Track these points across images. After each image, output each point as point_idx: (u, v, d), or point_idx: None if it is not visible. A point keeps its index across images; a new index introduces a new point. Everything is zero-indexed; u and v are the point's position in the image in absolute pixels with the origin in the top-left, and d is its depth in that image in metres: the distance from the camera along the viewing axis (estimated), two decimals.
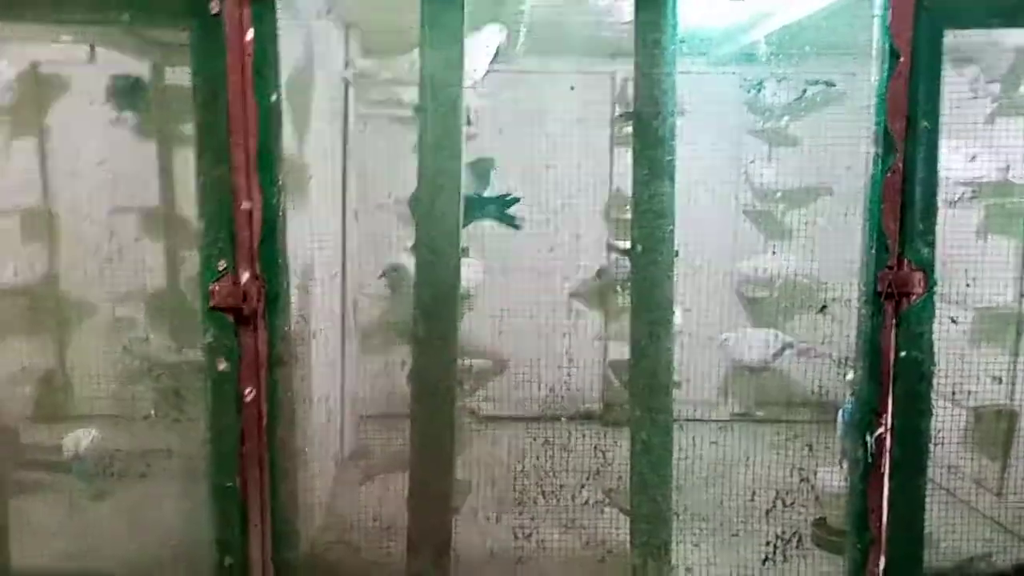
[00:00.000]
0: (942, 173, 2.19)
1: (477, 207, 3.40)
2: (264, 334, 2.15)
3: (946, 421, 3.11)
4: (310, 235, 3.26)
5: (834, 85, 4.41)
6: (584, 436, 4.32)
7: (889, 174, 2.15)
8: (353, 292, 4.21)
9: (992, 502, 3.47)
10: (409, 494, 2.58)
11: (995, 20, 2.26)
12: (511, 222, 3.57)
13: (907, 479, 2.23)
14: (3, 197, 3.96)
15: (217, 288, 2.10)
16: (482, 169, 4.12)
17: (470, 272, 3.40)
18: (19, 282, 3.93)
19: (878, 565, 2.24)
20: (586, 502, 3.53)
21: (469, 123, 3.33)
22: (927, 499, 2.26)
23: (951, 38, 2.16)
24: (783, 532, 3.16)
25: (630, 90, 2.63)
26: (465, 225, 2.65)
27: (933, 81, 2.14)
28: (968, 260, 3.43)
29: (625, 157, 2.71)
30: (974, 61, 3.48)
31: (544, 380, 4.66)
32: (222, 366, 2.13)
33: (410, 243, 2.69)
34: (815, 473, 3.36)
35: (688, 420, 3.24)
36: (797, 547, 3.09)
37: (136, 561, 2.73)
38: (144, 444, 3.33)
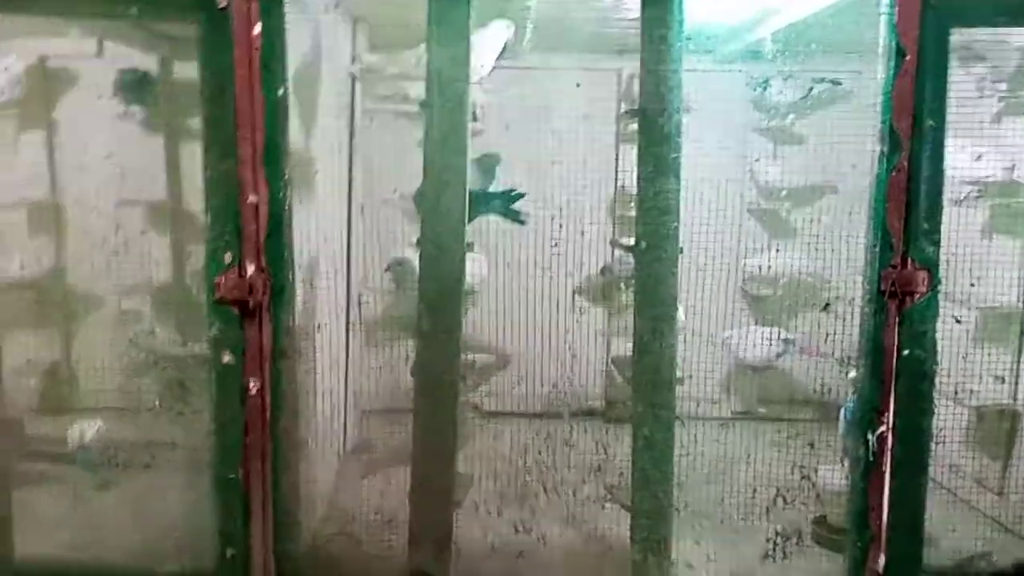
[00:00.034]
0: (948, 172, 2.19)
1: (482, 202, 3.41)
2: (269, 327, 2.17)
3: (948, 420, 3.11)
4: (316, 229, 3.27)
5: (840, 83, 4.41)
6: (586, 432, 4.33)
7: (894, 172, 2.15)
8: (358, 286, 4.22)
9: (993, 501, 3.47)
10: (411, 488, 2.59)
11: (1002, 19, 2.26)
12: (516, 217, 3.57)
13: (908, 478, 2.24)
14: (11, 190, 3.97)
15: (223, 281, 2.11)
16: (487, 165, 4.12)
17: (474, 267, 3.41)
18: (26, 275, 3.94)
19: (878, 563, 2.25)
20: (587, 498, 3.54)
21: (475, 119, 3.33)
22: (928, 498, 2.26)
23: (959, 36, 2.16)
24: (783, 529, 3.17)
25: (636, 87, 2.63)
26: (470, 220, 2.65)
27: (939, 79, 2.14)
28: (973, 259, 3.43)
29: (630, 154, 2.70)
30: (984, 59, 3.46)
31: (547, 376, 4.68)
32: (227, 359, 2.14)
33: (415, 238, 2.70)
34: (816, 471, 3.36)
35: (690, 417, 3.24)
36: (797, 544, 3.09)
37: (139, 551, 2.75)
38: (149, 436, 3.35)
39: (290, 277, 2.21)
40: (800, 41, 3.65)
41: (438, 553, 2.56)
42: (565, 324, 4.71)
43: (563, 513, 3.38)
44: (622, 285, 4.48)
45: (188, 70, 2.28)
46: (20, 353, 3.89)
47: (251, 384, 2.15)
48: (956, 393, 3.33)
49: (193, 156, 2.29)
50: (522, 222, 3.61)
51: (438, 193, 2.51)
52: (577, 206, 4.63)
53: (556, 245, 4.51)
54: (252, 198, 2.11)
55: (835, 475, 3.23)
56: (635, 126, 2.64)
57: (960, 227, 3.05)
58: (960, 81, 2.31)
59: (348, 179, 4.05)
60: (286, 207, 2.16)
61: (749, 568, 2.99)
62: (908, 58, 2.11)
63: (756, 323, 4.70)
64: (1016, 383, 3.48)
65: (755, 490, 3.37)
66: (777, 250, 4.69)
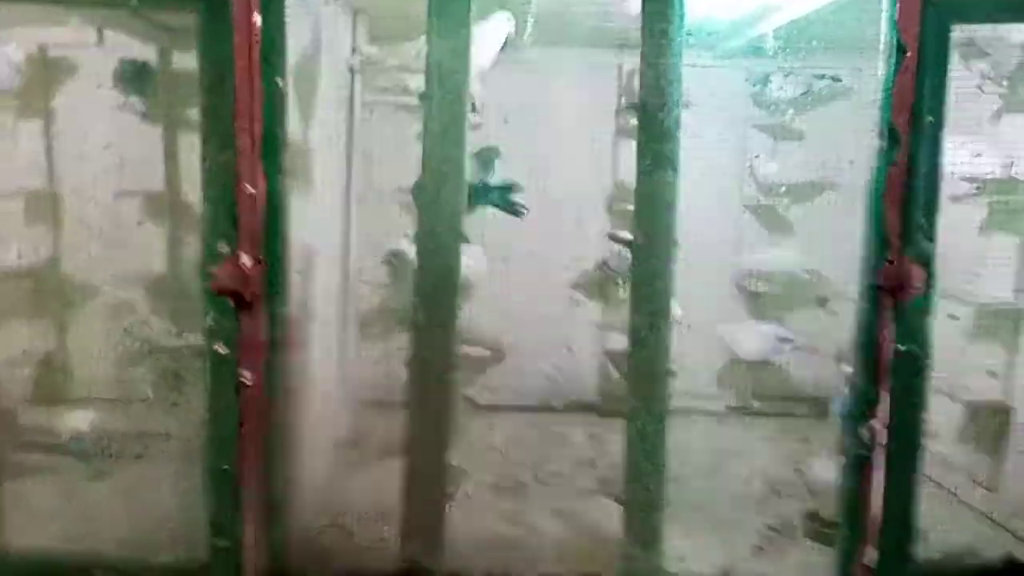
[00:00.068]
0: (946, 168, 2.19)
1: (480, 194, 3.41)
2: (264, 318, 2.16)
3: (941, 416, 3.11)
4: (313, 221, 3.27)
5: (840, 80, 4.41)
6: (581, 425, 4.34)
7: (892, 168, 2.15)
8: (354, 278, 4.22)
9: (984, 496, 3.48)
10: (404, 480, 2.59)
11: (1002, 16, 2.26)
12: (513, 209, 3.58)
13: (900, 473, 2.24)
14: (9, 180, 3.97)
15: (218, 272, 2.10)
16: (486, 158, 4.13)
17: (471, 260, 3.41)
18: (23, 264, 3.94)
19: (870, 557, 2.26)
20: (580, 490, 3.55)
21: (474, 111, 3.33)
22: (920, 493, 2.27)
23: (960, 33, 2.15)
24: (775, 523, 3.18)
25: (636, 82, 2.63)
26: (468, 213, 2.65)
27: (939, 76, 2.13)
28: (970, 256, 3.43)
29: (629, 148, 2.70)
30: (984, 55, 3.46)
31: (542, 369, 4.68)
32: (222, 350, 2.14)
33: (412, 231, 2.70)
34: (809, 465, 3.37)
35: (685, 411, 3.24)
36: (789, 538, 3.11)
37: (132, 542, 2.75)
38: (142, 426, 3.35)
39: (286, 269, 2.20)
40: (801, 37, 3.65)
41: (430, 545, 2.56)
42: (561, 318, 4.72)
43: (555, 506, 3.39)
44: (618, 280, 4.48)
45: (187, 60, 2.27)
46: (15, 343, 3.89)
47: (246, 375, 2.15)
48: (950, 389, 3.34)
49: (191, 147, 2.29)
50: (519, 214, 3.61)
51: (436, 186, 2.50)
52: (575, 199, 4.63)
53: (553, 238, 4.51)
54: (250, 189, 2.11)
55: (827, 469, 3.24)
56: (634, 120, 2.64)
57: (958, 224, 3.06)
58: (960, 78, 2.31)
59: (346, 171, 4.05)
60: (283, 199, 2.16)
61: (741, 561, 3.00)
62: (908, 54, 2.11)
63: (752, 318, 4.71)
64: (1009, 379, 3.49)
65: (748, 484, 3.38)
66: (775, 246, 4.70)
